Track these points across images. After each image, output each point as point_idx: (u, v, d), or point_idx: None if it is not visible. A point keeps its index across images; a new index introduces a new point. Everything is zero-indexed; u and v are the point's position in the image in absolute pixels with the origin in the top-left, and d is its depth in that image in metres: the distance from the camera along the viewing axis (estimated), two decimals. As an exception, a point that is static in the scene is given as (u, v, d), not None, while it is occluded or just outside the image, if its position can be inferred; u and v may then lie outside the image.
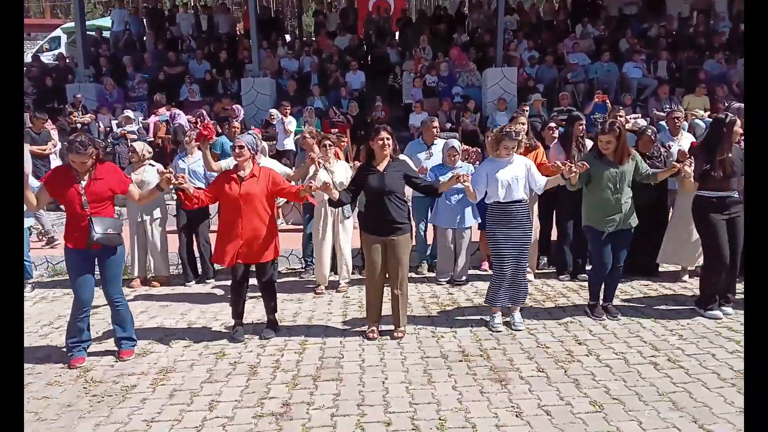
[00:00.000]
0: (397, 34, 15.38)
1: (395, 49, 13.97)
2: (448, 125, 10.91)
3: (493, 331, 4.43)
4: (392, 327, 4.46)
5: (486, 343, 4.22)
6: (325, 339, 4.40)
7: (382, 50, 13.93)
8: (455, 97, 11.71)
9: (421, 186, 4.46)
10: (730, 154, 4.44)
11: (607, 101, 10.15)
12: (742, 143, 4.66)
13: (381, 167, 4.29)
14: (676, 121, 6.21)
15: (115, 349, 4.19)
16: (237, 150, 4.29)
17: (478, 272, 6.20)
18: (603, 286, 4.73)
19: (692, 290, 5.30)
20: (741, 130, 4.60)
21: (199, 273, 6.28)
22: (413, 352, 4.11)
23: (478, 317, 4.78)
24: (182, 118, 10.56)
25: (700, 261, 5.20)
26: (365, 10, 16.78)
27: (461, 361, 3.92)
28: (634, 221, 4.56)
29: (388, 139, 4.30)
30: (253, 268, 4.49)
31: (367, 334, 4.40)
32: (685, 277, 5.66)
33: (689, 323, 4.46)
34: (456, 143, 5.76)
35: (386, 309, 4.52)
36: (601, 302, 4.73)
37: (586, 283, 5.54)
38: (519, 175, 4.43)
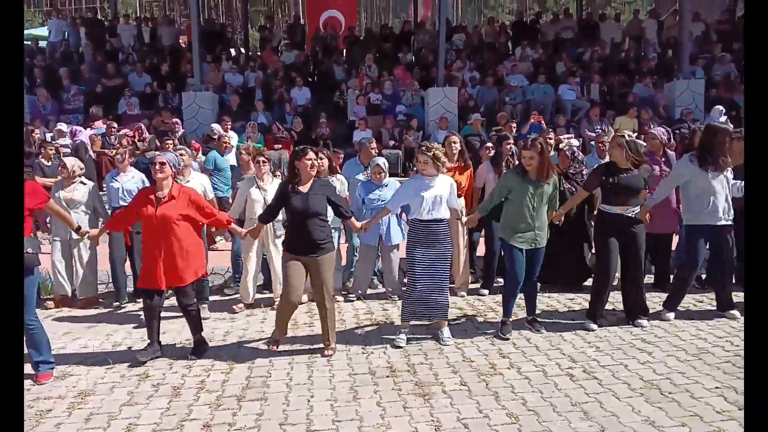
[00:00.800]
0: (344, 51, 15.55)
1: (341, 66, 14.11)
2: (392, 143, 11.09)
3: (395, 348, 4.46)
4: (323, 345, 4.47)
5: (414, 358, 4.29)
6: (255, 359, 4.37)
7: (329, 67, 14.04)
8: (399, 115, 11.92)
9: (343, 214, 4.56)
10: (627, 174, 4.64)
11: (542, 122, 10.57)
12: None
13: (305, 188, 4.32)
14: (601, 145, 6.52)
15: (32, 372, 4.04)
16: (158, 166, 4.22)
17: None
18: (525, 300, 4.88)
19: (612, 303, 5.53)
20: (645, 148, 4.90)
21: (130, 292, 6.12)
22: (342, 369, 4.13)
23: (411, 333, 4.85)
24: (84, 135, 10.14)
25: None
26: (315, 27, 16.92)
27: (388, 377, 3.97)
28: (543, 240, 4.68)
29: (316, 159, 4.35)
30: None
31: (270, 346, 4.47)
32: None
33: (606, 335, 4.66)
34: (382, 161, 5.83)
35: (315, 328, 4.54)
36: (526, 317, 4.89)
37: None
38: (443, 194, 4.51)
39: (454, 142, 5.80)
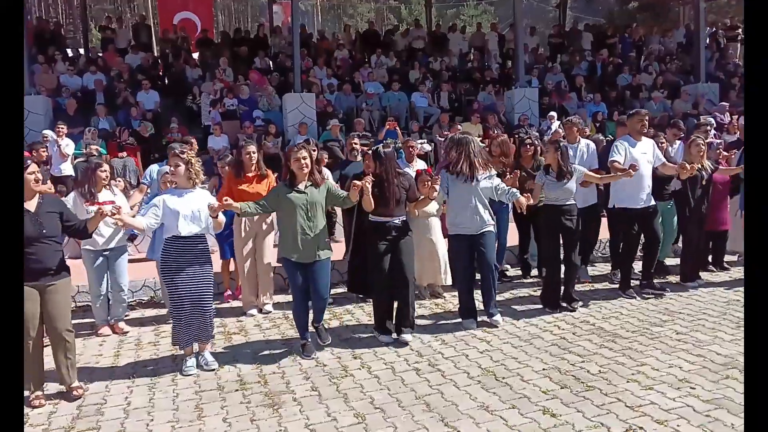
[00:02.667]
0: (197, 54, 14.90)
1: (194, 69, 13.52)
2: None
3: (184, 376, 4.11)
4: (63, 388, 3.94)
5: (266, 369, 4.21)
6: (89, 384, 4.01)
7: (180, 70, 13.38)
8: (256, 120, 11.68)
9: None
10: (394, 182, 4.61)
11: (397, 128, 10.94)
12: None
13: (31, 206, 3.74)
14: (411, 149, 6.48)
15: None
16: None
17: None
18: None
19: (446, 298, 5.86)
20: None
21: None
22: (187, 387, 3.94)
23: (264, 344, 4.76)
24: None
25: (448, 279, 5.76)
26: (167, 27, 16.02)
27: (237, 390, 3.85)
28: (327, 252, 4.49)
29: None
30: None
31: (31, 402, 3.72)
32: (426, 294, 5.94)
33: (452, 328, 4.91)
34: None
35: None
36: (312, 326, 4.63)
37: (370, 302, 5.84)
38: (202, 208, 4.16)
39: (252, 152, 5.48)
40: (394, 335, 4.66)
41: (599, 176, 5.46)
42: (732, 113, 11.77)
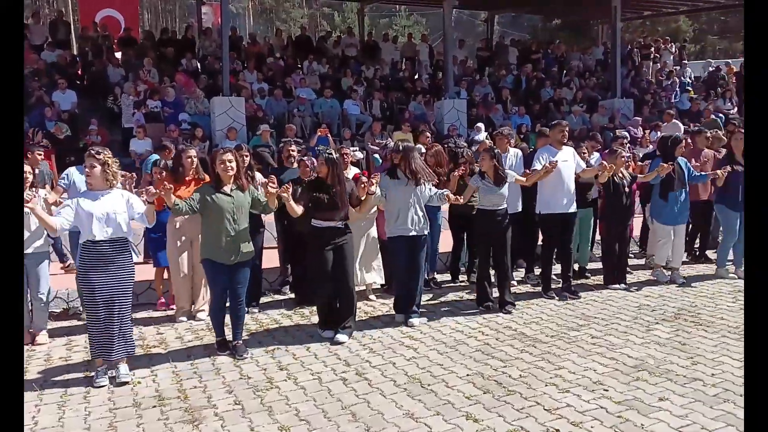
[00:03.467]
0: (119, 53, 14.27)
1: (116, 69, 12.94)
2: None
3: (95, 387, 3.95)
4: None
5: (187, 383, 4.06)
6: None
7: (100, 69, 12.77)
8: (182, 123, 11.32)
9: None
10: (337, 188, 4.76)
11: (329, 135, 10.92)
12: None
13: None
14: (346, 156, 6.56)
15: None
16: None
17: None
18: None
19: (374, 306, 5.90)
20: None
21: None
22: (101, 404, 3.73)
23: (185, 357, 4.59)
24: None
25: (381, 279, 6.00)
26: (88, 24, 15.24)
27: (155, 406, 3.69)
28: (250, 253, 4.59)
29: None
30: None
31: None
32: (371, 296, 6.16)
33: (380, 336, 4.94)
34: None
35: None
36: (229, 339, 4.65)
37: (306, 309, 5.79)
38: (119, 210, 4.05)
39: (192, 156, 5.48)
40: (332, 333, 4.84)
41: (524, 177, 5.74)
42: (644, 127, 12.54)
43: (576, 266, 6.65)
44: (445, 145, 11.12)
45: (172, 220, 5.38)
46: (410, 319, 5.19)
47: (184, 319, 5.48)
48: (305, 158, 5.82)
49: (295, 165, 6.34)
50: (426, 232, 5.25)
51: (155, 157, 7.16)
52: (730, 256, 6.67)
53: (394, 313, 5.45)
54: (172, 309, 5.74)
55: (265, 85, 13.04)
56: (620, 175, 6.12)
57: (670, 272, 6.54)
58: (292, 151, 6.42)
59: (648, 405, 3.53)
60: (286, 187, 4.47)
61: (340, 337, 4.77)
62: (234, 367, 4.33)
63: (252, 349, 4.66)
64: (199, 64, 13.83)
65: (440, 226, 6.54)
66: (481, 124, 12.06)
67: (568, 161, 5.91)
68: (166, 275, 5.84)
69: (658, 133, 10.59)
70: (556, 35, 22.51)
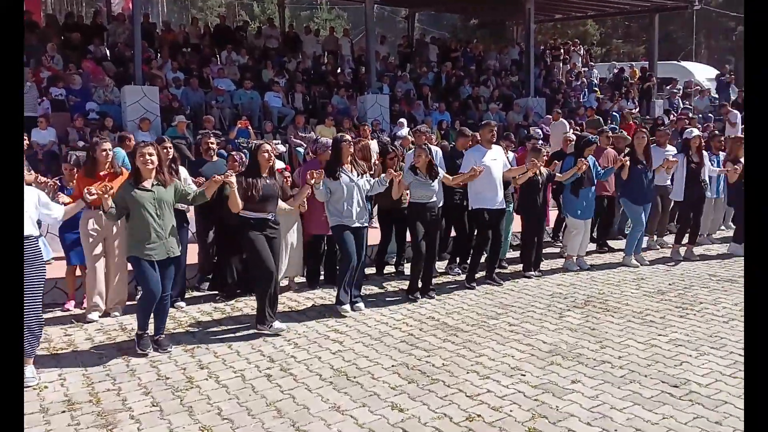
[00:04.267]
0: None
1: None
2: (81, 143, 9.83)
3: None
4: None
5: (99, 386, 3.84)
6: None
7: (-5, 53, 11.74)
8: (90, 113, 10.65)
9: None
10: (267, 182, 4.76)
11: (250, 127, 10.66)
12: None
13: None
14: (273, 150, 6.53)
15: None
16: None
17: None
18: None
19: (299, 302, 5.87)
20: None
21: None
22: (1, 413, 3.45)
23: (96, 359, 4.34)
24: None
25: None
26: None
27: (64, 412, 3.47)
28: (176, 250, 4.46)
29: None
30: None
31: None
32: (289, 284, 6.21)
33: (305, 330, 4.89)
34: None
35: None
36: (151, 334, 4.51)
37: (243, 304, 5.64)
38: (27, 208, 3.79)
39: (107, 149, 5.15)
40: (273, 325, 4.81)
41: (452, 177, 5.94)
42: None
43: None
44: (374, 140, 11.23)
45: (85, 217, 5.10)
46: (356, 304, 5.40)
47: (95, 318, 5.19)
48: (234, 153, 5.78)
49: (216, 158, 6.20)
50: (366, 225, 5.44)
51: (121, 152, 6.67)
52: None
53: (319, 306, 5.44)
54: (82, 309, 5.41)
55: (181, 75, 12.51)
56: (537, 172, 6.41)
57: (577, 259, 6.95)
58: (212, 143, 6.23)
59: (562, 388, 3.73)
60: (226, 176, 4.40)
61: (278, 324, 4.81)
62: (150, 368, 4.14)
63: (172, 347, 4.48)
64: (108, 51, 13.05)
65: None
66: (403, 120, 12.19)
67: (497, 159, 6.16)
68: (78, 272, 5.55)
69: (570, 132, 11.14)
70: (474, 34, 23.15)
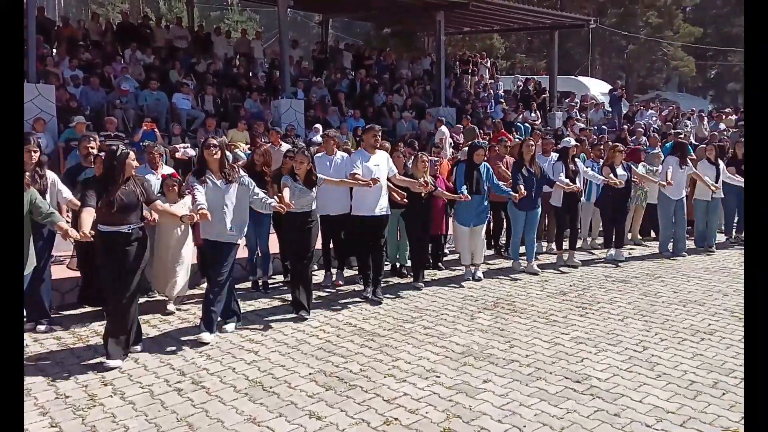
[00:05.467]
0: None
1: None
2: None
3: None
4: None
5: (-13, 409, 3.51)
6: None
7: None
8: (-26, 112, 9.75)
9: None
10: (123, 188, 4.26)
11: (156, 129, 10.19)
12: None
13: None
14: (153, 154, 5.82)
15: None
16: None
17: None
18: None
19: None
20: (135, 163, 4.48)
21: None
22: None
23: None
24: None
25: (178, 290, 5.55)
26: None
27: (-55, 440, 3.14)
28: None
29: None
30: None
31: None
32: (170, 306, 5.58)
33: (218, 341, 4.74)
34: None
35: None
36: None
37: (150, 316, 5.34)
38: None
39: (33, 151, 4.68)
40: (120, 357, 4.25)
41: (335, 181, 5.68)
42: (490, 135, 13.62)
43: (397, 264, 7.02)
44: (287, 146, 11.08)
45: None
46: (224, 326, 4.91)
47: None
48: (101, 154, 5.09)
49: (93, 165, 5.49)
50: (236, 241, 4.83)
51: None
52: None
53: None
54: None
55: (80, 73, 11.76)
56: (424, 179, 6.27)
57: (473, 268, 6.86)
58: (92, 148, 5.59)
59: (474, 387, 3.86)
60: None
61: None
62: (48, 386, 3.85)
63: (69, 366, 4.19)
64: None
65: (269, 228, 6.35)
66: (318, 126, 12.15)
67: (380, 165, 5.90)
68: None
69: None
70: (387, 43, 23.51)
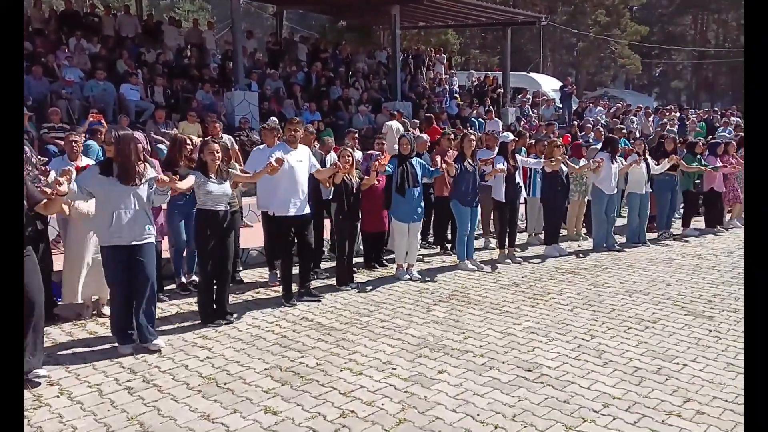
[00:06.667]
0: None
1: None
2: None
3: None
4: None
5: None
6: None
7: None
8: None
9: None
10: None
11: (103, 121, 9.84)
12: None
13: None
14: (74, 145, 5.42)
15: None
16: None
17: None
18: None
19: (162, 308, 5.58)
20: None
21: None
22: None
23: None
24: None
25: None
26: None
27: None
28: None
29: None
30: None
31: None
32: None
33: (170, 339, 4.64)
34: None
35: None
36: None
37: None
38: None
39: None
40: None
41: (243, 177, 5.48)
42: (421, 129, 13.74)
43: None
44: (237, 137, 10.89)
45: None
46: (155, 342, 4.40)
47: None
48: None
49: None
50: (150, 240, 4.42)
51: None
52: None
53: (185, 312, 5.17)
54: None
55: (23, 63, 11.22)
56: (348, 176, 6.13)
57: (406, 267, 6.68)
58: (76, 143, 5.32)
59: (430, 378, 3.92)
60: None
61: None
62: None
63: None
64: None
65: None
66: (274, 119, 11.98)
67: (303, 161, 5.63)
68: None
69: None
70: (343, 36, 23.39)
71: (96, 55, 12.60)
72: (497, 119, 14.33)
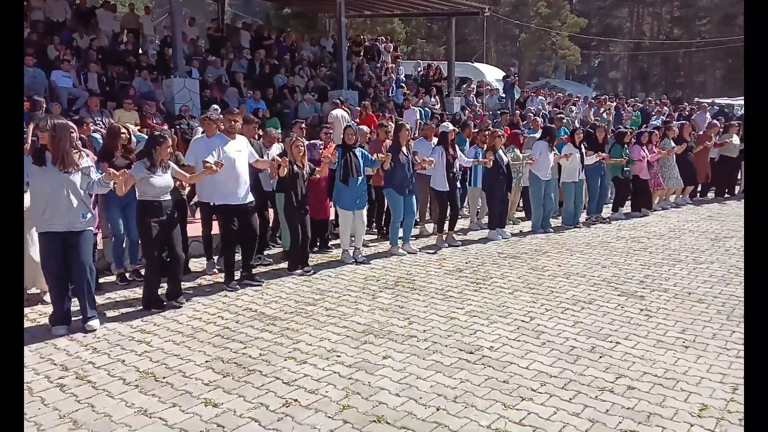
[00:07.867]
0: None
1: None
2: None
3: None
4: None
5: None
6: None
7: None
8: None
9: None
10: None
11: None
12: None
13: None
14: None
15: None
16: None
17: None
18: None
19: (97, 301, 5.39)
20: None
21: None
22: None
23: None
24: None
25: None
26: None
27: None
28: None
29: None
30: None
31: None
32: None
33: (105, 333, 4.49)
34: None
35: None
36: None
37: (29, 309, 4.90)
38: None
39: None
40: None
41: (188, 176, 5.37)
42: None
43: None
44: (178, 125, 10.55)
45: None
46: (89, 322, 4.50)
47: None
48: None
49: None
50: (89, 228, 4.51)
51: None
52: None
53: (121, 305, 5.00)
54: None
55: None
56: (299, 164, 6.16)
57: (353, 251, 6.84)
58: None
59: (374, 364, 3.94)
60: None
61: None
62: None
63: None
64: None
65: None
66: (216, 107, 11.69)
67: (242, 151, 5.68)
68: None
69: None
70: (288, 23, 23.03)
71: (25, 41, 11.92)
72: (415, 108, 14.44)
